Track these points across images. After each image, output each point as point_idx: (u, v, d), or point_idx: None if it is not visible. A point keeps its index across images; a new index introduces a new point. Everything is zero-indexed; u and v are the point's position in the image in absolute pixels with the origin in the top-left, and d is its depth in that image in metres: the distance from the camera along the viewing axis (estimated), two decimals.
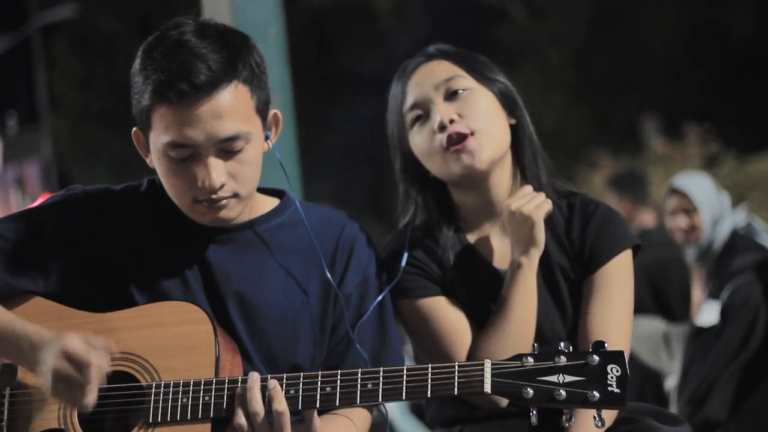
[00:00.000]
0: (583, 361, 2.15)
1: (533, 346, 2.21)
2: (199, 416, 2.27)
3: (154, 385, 2.29)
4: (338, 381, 2.24)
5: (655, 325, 5.74)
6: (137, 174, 2.63)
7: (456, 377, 2.20)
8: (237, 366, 2.36)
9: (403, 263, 2.60)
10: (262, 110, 2.39)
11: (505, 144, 2.64)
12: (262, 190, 2.53)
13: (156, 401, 2.28)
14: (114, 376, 2.30)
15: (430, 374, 2.21)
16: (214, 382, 2.28)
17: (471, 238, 2.68)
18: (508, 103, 2.66)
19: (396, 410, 6.55)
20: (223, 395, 2.27)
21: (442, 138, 2.58)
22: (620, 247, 2.62)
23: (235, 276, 2.43)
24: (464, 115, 2.58)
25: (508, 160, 2.66)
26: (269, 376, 2.27)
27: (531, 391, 2.15)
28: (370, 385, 2.23)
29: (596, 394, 2.13)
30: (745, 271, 4.84)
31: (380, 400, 2.22)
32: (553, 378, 2.15)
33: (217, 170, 2.31)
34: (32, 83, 27.75)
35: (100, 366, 2.22)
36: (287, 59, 4.20)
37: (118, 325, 2.35)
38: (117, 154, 21.20)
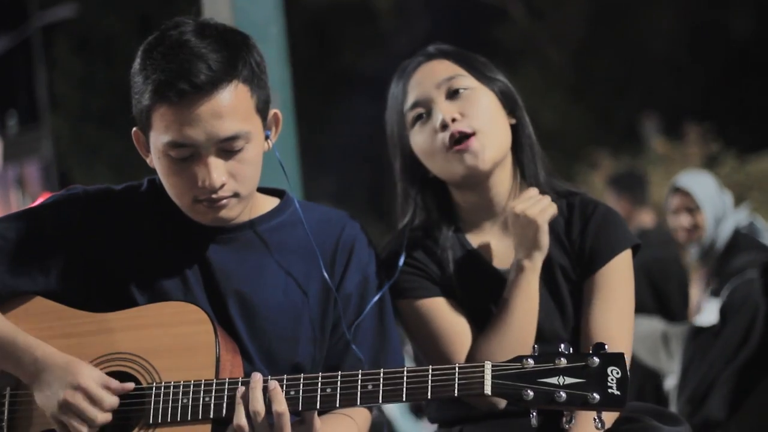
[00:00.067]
0: (584, 363, 2.15)
1: (533, 347, 2.20)
2: (200, 417, 2.26)
3: (154, 386, 2.29)
4: (338, 382, 2.24)
5: (655, 324, 5.73)
6: (137, 174, 2.63)
7: (456, 379, 2.19)
8: (237, 366, 2.36)
9: (401, 264, 2.60)
10: (262, 110, 2.39)
11: (507, 144, 2.64)
12: (262, 190, 2.53)
13: (156, 402, 2.28)
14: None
15: (430, 376, 2.21)
16: (214, 383, 2.27)
17: (471, 238, 2.67)
18: (508, 102, 2.66)
19: (396, 410, 6.54)
20: (224, 396, 2.26)
21: (444, 137, 2.58)
22: (620, 246, 2.62)
23: (236, 276, 2.43)
24: (466, 114, 2.58)
25: (509, 160, 2.66)
26: (269, 377, 2.27)
27: (531, 393, 2.15)
28: (370, 387, 2.23)
29: (596, 396, 2.13)
30: (746, 271, 4.84)
31: (380, 401, 2.22)
32: (554, 380, 2.15)
33: (217, 170, 2.31)
34: (32, 83, 27.74)
35: (111, 410, 2.27)
36: (287, 59, 4.19)
37: (118, 325, 2.35)
38: (117, 154, 21.22)
